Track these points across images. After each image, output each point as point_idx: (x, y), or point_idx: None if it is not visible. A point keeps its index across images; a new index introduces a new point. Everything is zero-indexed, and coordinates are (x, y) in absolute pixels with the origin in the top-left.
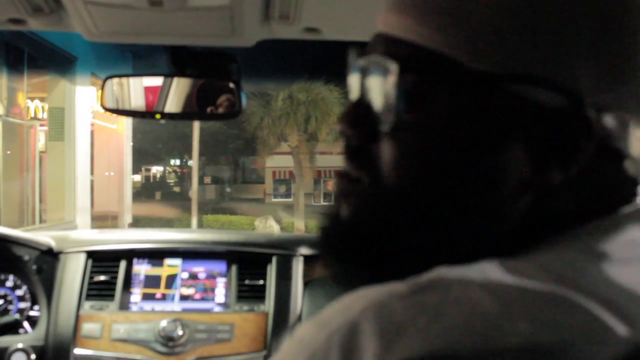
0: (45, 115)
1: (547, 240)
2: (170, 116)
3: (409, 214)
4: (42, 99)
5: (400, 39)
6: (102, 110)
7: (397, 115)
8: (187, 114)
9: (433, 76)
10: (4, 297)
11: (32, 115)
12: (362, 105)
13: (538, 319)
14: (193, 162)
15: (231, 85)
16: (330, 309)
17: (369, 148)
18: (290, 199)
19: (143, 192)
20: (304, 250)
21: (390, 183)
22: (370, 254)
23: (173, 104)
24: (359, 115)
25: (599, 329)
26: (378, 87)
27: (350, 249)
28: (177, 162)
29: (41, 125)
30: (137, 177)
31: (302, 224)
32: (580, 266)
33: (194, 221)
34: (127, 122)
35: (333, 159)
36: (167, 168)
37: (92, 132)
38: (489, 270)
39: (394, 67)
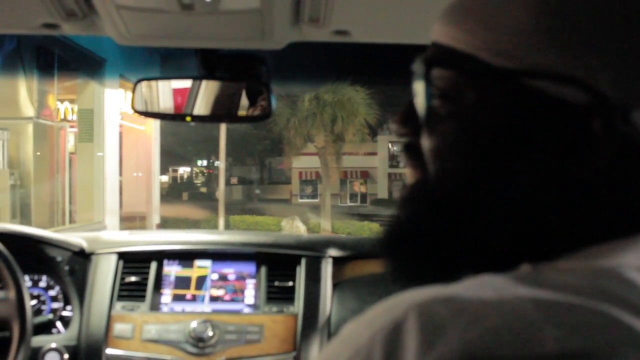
0: (75, 117)
1: (585, 245)
2: (200, 119)
3: (448, 204)
4: (71, 101)
5: (439, 44)
6: (131, 112)
7: (433, 110)
8: (216, 117)
9: (462, 73)
10: (37, 297)
11: (62, 117)
12: (410, 105)
13: (575, 326)
14: (220, 163)
15: (261, 87)
16: (375, 309)
17: (416, 142)
18: (317, 200)
19: (170, 193)
20: (333, 252)
21: (432, 172)
22: (422, 249)
23: (202, 106)
24: (407, 114)
25: (633, 337)
26: (420, 87)
27: (405, 247)
28: (204, 163)
29: (71, 126)
30: (165, 178)
31: (328, 225)
32: (621, 277)
33: (221, 222)
34: (155, 124)
35: (359, 159)
36: (195, 169)
37: (120, 134)
38: (529, 276)
39: (430, 68)
